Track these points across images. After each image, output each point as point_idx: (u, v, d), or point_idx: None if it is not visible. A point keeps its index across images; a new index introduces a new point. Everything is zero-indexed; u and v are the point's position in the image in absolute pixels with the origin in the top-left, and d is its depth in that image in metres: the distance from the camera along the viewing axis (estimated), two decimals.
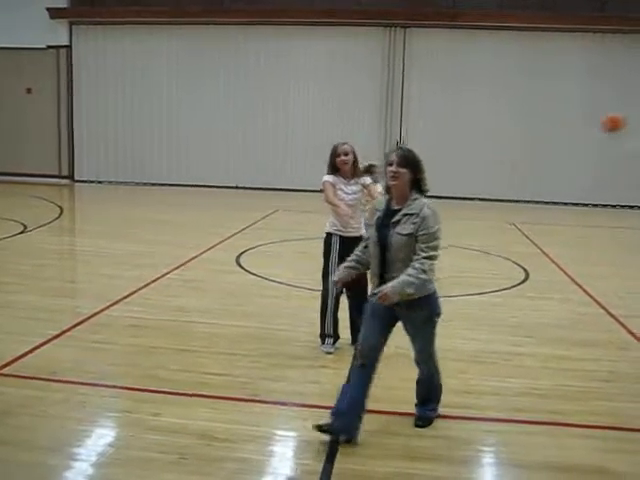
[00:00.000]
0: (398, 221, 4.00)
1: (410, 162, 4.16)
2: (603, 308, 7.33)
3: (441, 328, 6.19)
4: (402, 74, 17.64)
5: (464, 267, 9.32)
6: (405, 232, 3.95)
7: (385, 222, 4.06)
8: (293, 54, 17.80)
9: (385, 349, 4.23)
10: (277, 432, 4.30)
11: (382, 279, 4.05)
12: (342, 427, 4.00)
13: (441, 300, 4.22)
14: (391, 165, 4.08)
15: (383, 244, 4.03)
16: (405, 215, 3.99)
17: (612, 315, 7.05)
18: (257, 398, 4.66)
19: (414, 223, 3.94)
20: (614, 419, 4.49)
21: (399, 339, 4.37)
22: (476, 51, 17.44)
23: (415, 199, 4.07)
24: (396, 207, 4.08)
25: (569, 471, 3.84)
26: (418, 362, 4.37)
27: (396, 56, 17.60)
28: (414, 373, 4.44)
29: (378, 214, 4.15)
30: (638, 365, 5.56)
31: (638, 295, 8.17)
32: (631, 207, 17.39)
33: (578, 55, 17.32)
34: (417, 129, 17.74)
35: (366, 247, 4.29)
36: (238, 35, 17.79)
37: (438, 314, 4.21)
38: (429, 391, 4.40)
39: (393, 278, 3.94)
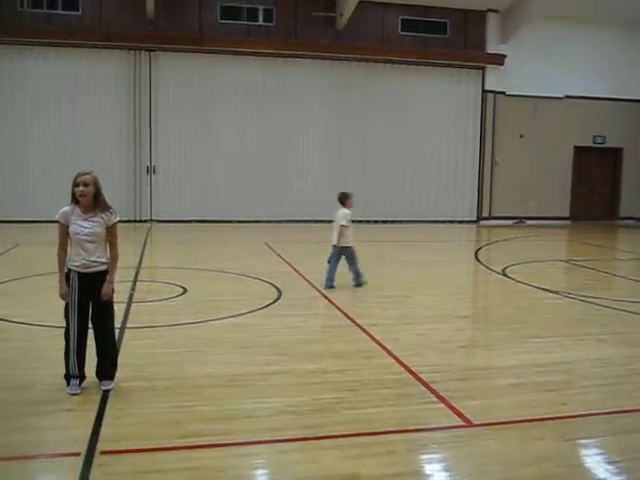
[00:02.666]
0: None
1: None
2: (351, 320, 7.73)
3: (197, 355, 6.25)
4: (149, 98, 17.40)
5: (219, 291, 9.38)
6: None
7: None
8: (31, 77, 16.74)
9: None
10: None
11: None
12: None
13: None
14: None
15: None
16: None
17: (359, 325, 7.46)
18: None
19: None
20: (362, 425, 4.70)
21: None
22: (223, 75, 17.79)
23: None
24: None
25: None
26: None
27: (142, 80, 17.32)
28: None
29: None
30: (381, 371, 5.91)
31: (380, 304, 8.75)
32: (375, 222, 18.78)
33: (319, 78, 18.40)
34: (167, 154, 17.62)
35: None
36: None
37: None
38: None
39: None
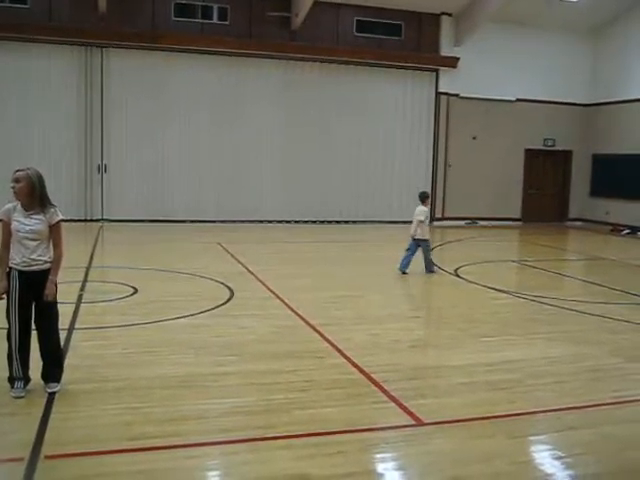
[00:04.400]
0: None
1: None
2: (303, 320, 7.73)
3: (148, 356, 6.17)
4: (101, 95, 17.11)
5: (170, 291, 9.28)
6: None
7: None
8: None
9: None
10: None
11: None
12: None
13: None
14: None
15: None
16: None
17: (311, 326, 7.45)
18: None
19: None
20: (314, 425, 4.70)
21: None
22: (177, 73, 17.60)
23: None
24: None
25: None
26: None
27: (93, 76, 17.02)
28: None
29: None
30: (333, 371, 5.91)
31: (332, 304, 8.76)
32: (329, 222, 18.83)
33: (273, 78, 18.36)
34: (119, 152, 17.37)
35: None
36: None
37: None
38: None
39: None
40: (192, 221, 17.69)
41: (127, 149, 17.42)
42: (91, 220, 17.16)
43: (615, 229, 19.60)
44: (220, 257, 12.46)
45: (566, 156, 21.49)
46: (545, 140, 21.02)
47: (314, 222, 18.85)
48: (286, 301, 8.67)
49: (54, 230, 5.08)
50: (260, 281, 10.04)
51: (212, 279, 10.01)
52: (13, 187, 4.95)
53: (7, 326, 5.05)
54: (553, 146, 21.14)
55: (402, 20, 19.26)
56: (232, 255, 12.50)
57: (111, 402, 4.99)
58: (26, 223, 4.97)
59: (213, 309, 8.15)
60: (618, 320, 8.24)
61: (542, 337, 7.38)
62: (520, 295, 9.79)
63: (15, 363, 5.01)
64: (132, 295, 8.80)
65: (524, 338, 7.33)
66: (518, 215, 21.04)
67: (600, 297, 9.95)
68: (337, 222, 19.08)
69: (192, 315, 7.80)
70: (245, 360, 6.16)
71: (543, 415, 5.10)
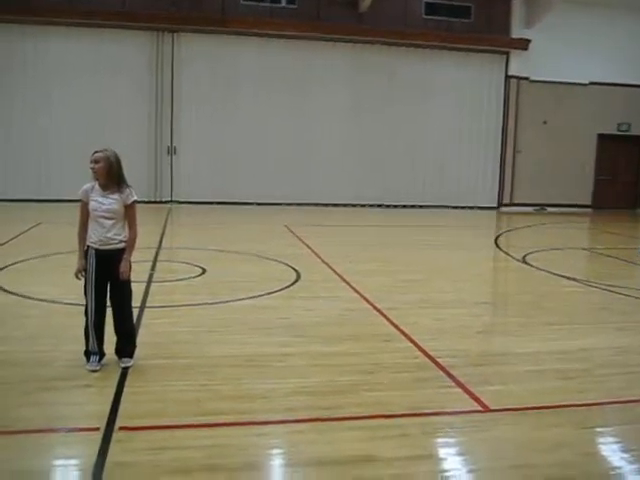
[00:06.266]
0: None
1: None
2: (369, 303, 7.74)
3: (216, 335, 6.30)
4: (171, 79, 17.42)
5: (237, 272, 9.44)
6: None
7: None
8: (51, 56, 16.80)
9: None
10: (37, 465, 3.92)
11: None
12: None
13: None
14: None
15: None
16: None
17: (377, 309, 7.46)
18: (8, 429, 4.21)
19: None
20: (379, 408, 4.71)
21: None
22: (245, 57, 17.76)
23: None
24: None
25: (339, 463, 3.93)
26: None
27: (164, 61, 17.34)
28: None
29: None
30: (398, 355, 5.91)
31: (398, 288, 8.75)
32: (395, 206, 18.75)
33: (341, 61, 18.32)
34: (189, 135, 17.67)
35: None
36: None
37: None
38: None
39: None
40: (259, 204, 17.90)
41: (196, 132, 17.71)
42: (160, 202, 17.56)
43: None
44: (287, 239, 12.58)
45: None
46: (619, 125, 20.37)
47: (380, 206, 18.81)
48: (352, 284, 8.70)
49: (129, 210, 5.23)
50: (326, 264, 10.10)
51: (279, 261, 10.12)
52: (92, 167, 5.12)
53: (85, 302, 5.24)
54: (628, 131, 20.46)
55: (471, 2, 18.91)
56: (298, 237, 12.60)
57: (181, 378, 5.13)
58: (103, 202, 5.13)
59: (279, 291, 8.24)
60: None
61: (612, 326, 7.20)
62: (590, 283, 9.56)
63: (91, 338, 5.20)
64: (200, 275, 8.99)
65: (594, 327, 7.17)
66: (589, 202, 20.49)
67: None
68: (403, 206, 18.99)
69: (258, 296, 7.91)
70: (310, 342, 6.22)
71: (612, 406, 4.99)
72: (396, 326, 6.80)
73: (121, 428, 4.21)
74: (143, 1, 16.85)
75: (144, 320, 6.64)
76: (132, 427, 4.24)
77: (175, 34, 17.35)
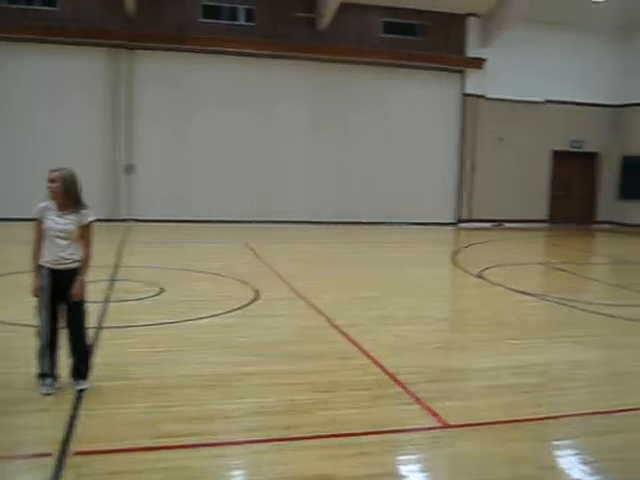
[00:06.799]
0: None
1: None
2: (328, 321, 7.73)
3: (175, 355, 6.22)
4: (128, 97, 17.28)
5: (196, 291, 9.37)
6: None
7: None
8: (7, 72, 16.54)
9: None
10: None
11: None
12: None
13: None
14: None
15: None
16: None
17: (336, 327, 7.45)
18: None
19: None
20: (338, 426, 4.70)
21: None
22: (203, 74, 17.73)
23: None
24: None
25: None
26: None
27: (121, 78, 17.20)
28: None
29: None
30: (357, 372, 5.90)
31: (357, 305, 8.77)
32: (355, 223, 18.84)
33: (299, 79, 18.42)
34: (147, 153, 17.53)
35: None
36: None
37: None
38: None
39: None
40: (218, 221, 17.80)
41: (154, 150, 17.58)
42: (118, 220, 17.34)
43: None
44: (246, 257, 12.52)
45: (594, 158, 21.27)
46: (573, 142, 20.82)
47: (339, 223, 18.86)
48: (311, 302, 8.69)
49: (85, 230, 5.15)
50: (285, 282, 10.07)
51: (238, 279, 10.06)
52: (49, 187, 5.04)
53: (38, 324, 5.12)
54: (581, 148, 20.93)
55: (428, 21, 19.21)
56: (258, 255, 12.56)
57: (139, 400, 5.05)
58: (59, 222, 5.05)
59: (238, 309, 8.19)
60: None
61: (569, 340, 7.31)
62: (546, 298, 9.70)
63: (45, 360, 5.08)
64: (159, 294, 8.88)
65: (550, 341, 7.27)
66: (545, 217, 20.86)
67: (628, 300, 9.85)
68: (362, 223, 19.07)
69: (218, 315, 7.85)
70: (270, 360, 6.18)
71: (570, 419, 5.05)
72: (355, 343, 6.80)
73: (77, 453, 4.12)
74: (100, 18, 16.73)
75: (101, 341, 6.52)
76: (87, 451, 4.15)
77: (132, 51, 17.24)
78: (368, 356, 6.36)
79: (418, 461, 4.35)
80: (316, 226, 18.30)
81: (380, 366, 6.05)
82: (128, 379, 5.50)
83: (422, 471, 4.25)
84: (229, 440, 4.45)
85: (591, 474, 4.19)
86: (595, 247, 18.29)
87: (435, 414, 4.94)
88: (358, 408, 5.06)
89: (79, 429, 4.48)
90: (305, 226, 18.22)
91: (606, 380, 6.00)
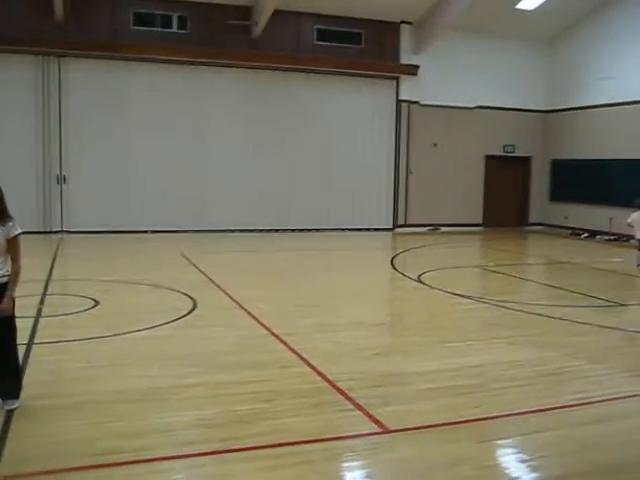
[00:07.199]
0: None
1: None
2: (267, 329, 7.68)
3: (109, 369, 6.07)
4: (59, 104, 16.86)
5: (132, 303, 9.19)
6: None
7: None
8: None
9: None
10: None
11: None
12: None
13: None
14: None
15: None
16: None
17: (275, 335, 7.41)
18: None
19: None
20: (279, 436, 4.65)
21: None
22: (136, 83, 17.46)
23: None
24: None
25: None
26: None
27: (51, 86, 16.77)
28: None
29: None
30: (297, 380, 5.88)
31: (296, 313, 8.76)
32: (292, 231, 18.82)
33: (234, 87, 18.34)
34: (79, 163, 17.14)
35: None
36: None
37: None
38: None
39: None
40: (154, 231, 17.51)
41: (86, 159, 17.18)
42: (50, 232, 16.88)
43: (574, 233, 19.94)
44: (183, 268, 12.34)
45: (525, 162, 21.82)
46: (505, 146, 21.31)
47: (277, 231, 18.82)
48: (250, 311, 8.61)
49: (12, 243, 4.97)
50: (223, 291, 9.96)
51: (175, 290, 9.90)
52: None
53: None
54: (513, 152, 21.44)
55: (362, 28, 19.37)
56: (195, 265, 12.40)
57: (72, 417, 4.90)
58: None
59: (176, 320, 8.05)
60: (579, 323, 8.36)
61: (504, 341, 7.45)
62: (482, 300, 9.88)
63: None
64: (93, 308, 8.66)
65: (487, 343, 7.40)
66: (479, 221, 21.26)
67: (561, 300, 10.11)
68: (300, 230, 19.06)
69: (154, 327, 7.70)
70: (208, 371, 6.09)
71: (507, 419, 5.14)
72: (294, 351, 6.77)
73: (5, 477, 3.95)
74: (28, 23, 16.27)
75: (32, 357, 6.31)
76: (18, 474, 4.00)
77: (62, 58, 16.83)
78: (308, 364, 6.34)
79: (360, 467, 4.35)
80: (253, 234, 18.20)
81: (320, 374, 6.04)
82: (61, 396, 5.34)
83: (364, 477, 4.26)
84: (167, 454, 4.35)
85: (529, 472, 4.28)
86: (528, 249, 18.75)
87: (376, 420, 4.96)
88: (299, 416, 5.03)
89: (9, 451, 4.31)
90: (242, 235, 18.10)
91: (540, 379, 6.12)
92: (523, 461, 4.43)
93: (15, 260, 5.01)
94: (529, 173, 21.98)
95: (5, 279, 4.95)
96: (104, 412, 5.02)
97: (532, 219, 22.09)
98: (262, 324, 7.92)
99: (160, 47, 17.28)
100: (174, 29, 17.65)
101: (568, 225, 20.50)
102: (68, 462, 4.16)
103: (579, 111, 20.20)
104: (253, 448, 4.45)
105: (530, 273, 13.90)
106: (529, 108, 21.24)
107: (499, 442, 4.77)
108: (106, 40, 16.87)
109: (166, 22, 17.60)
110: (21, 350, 5.52)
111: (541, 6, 18.78)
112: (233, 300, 9.31)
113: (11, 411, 4.93)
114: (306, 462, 4.27)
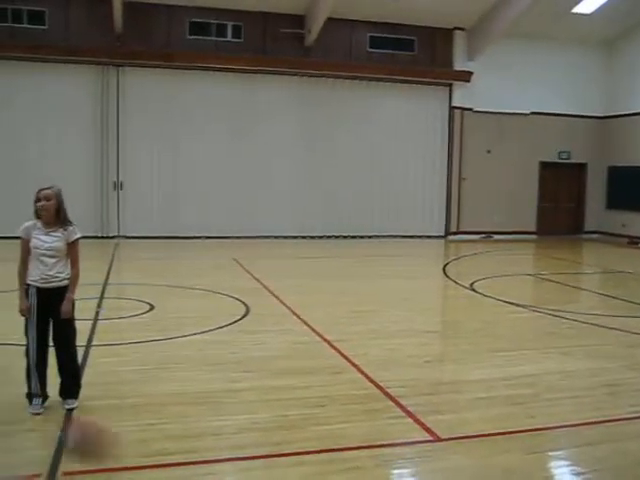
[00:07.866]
0: None
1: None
2: (319, 335, 7.71)
3: (164, 372, 6.19)
4: (117, 114, 17.28)
5: (186, 307, 9.33)
6: None
7: None
8: None
9: None
10: None
11: None
12: None
13: None
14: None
15: None
16: None
17: (327, 341, 7.44)
18: None
19: None
20: (330, 441, 4.67)
21: None
22: (192, 91, 17.76)
23: None
24: None
25: None
26: None
27: (109, 95, 17.20)
28: None
29: None
30: (348, 387, 5.89)
31: (348, 319, 8.76)
32: (344, 237, 18.85)
33: (287, 94, 18.50)
34: (135, 169, 17.51)
35: None
36: None
37: None
38: None
39: None
40: (207, 237, 17.76)
41: (142, 166, 17.55)
42: (107, 237, 17.28)
43: (632, 242, 19.44)
44: (235, 273, 12.49)
45: (581, 169, 21.39)
46: (560, 153, 20.94)
47: (329, 237, 18.87)
48: (302, 317, 8.67)
49: (72, 248, 5.14)
50: (275, 297, 10.05)
51: (228, 295, 10.03)
52: (42, 205, 5.01)
53: (25, 342, 5.09)
54: (568, 159, 21.05)
55: (415, 35, 19.32)
56: (247, 271, 12.53)
57: (128, 418, 5.01)
58: (46, 240, 5.03)
59: (229, 325, 8.16)
60: (636, 334, 8.16)
61: (558, 351, 7.32)
62: (536, 309, 9.73)
63: (33, 379, 5.05)
64: (148, 312, 8.84)
65: (541, 352, 7.28)
66: (533, 228, 20.92)
67: (617, 310, 9.88)
68: (352, 237, 19.08)
69: (208, 331, 7.82)
70: (260, 376, 6.16)
71: (561, 430, 5.05)
72: (346, 358, 6.79)
73: (65, 473, 4.08)
74: (88, 36, 16.74)
75: (90, 359, 6.48)
76: (77, 471, 4.10)
77: (120, 68, 17.26)
78: (359, 370, 6.35)
79: (410, 475, 4.34)
80: (306, 241, 18.30)
81: (371, 380, 6.04)
82: (117, 397, 5.47)
83: None
84: (219, 457, 4.43)
85: None
86: (584, 257, 18.37)
87: (427, 428, 4.93)
88: (350, 423, 5.04)
89: None
90: (295, 241, 18.21)
91: (594, 391, 6.00)
92: (576, 474, 4.35)
93: (74, 263, 5.17)
94: (585, 180, 21.52)
95: (65, 282, 5.11)
96: (158, 414, 5.13)
97: (588, 227, 21.62)
98: (314, 330, 7.96)
99: (215, 56, 17.56)
100: (229, 38, 17.90)
101: (625, 233, 20.00)
102: (124, 462, 4.24)
103: (637, 117, 19.71)
104: (303, 453, 4.48)
105: (585, 282, 13.62)
106: (585, 114, 20.82)
107: (551, 454, 4.70)
108: (162, 49, 17.23)
109: (221, 31, 17.87)
110: (80, 352, 5.66)
111: (599, 9, 18.42)
112: (285, 306, 9.39)
113: (70, 410, 5.08)
114: (356, 468, 4.27)
